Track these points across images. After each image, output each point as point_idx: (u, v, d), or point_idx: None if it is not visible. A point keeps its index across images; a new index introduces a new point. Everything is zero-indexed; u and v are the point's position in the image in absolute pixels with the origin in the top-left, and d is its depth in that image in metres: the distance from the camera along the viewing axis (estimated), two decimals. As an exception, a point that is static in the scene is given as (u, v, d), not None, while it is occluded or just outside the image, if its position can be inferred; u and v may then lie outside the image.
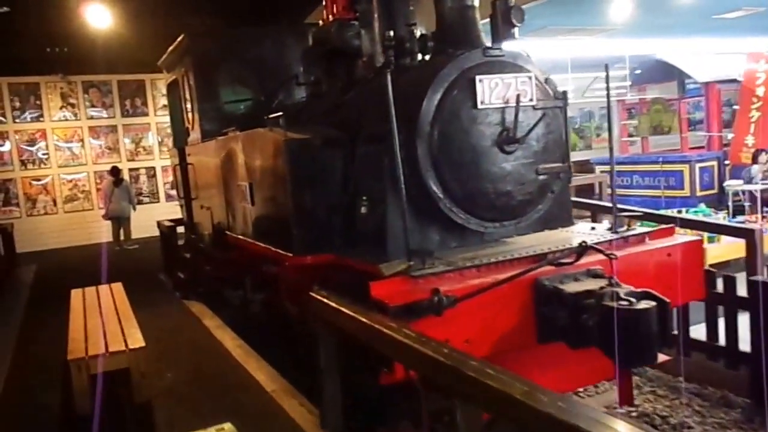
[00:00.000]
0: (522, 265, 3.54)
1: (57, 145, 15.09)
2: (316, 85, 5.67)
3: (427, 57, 4.38)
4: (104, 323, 4.99)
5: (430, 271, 3.38)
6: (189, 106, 7.30)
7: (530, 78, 3.83)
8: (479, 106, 3.70)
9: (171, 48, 7.57)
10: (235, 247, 6.11)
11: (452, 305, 3.09)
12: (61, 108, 15.16)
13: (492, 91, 3.72)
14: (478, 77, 3.69)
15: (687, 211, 8.53)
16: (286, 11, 10.81)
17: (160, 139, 16.03)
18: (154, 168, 16.10)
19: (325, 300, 3.50)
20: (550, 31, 11.19)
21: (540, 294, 3.37)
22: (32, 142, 14.89)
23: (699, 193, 12.85)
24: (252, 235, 5.36)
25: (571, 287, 3.30)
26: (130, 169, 15.60)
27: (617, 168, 6.49)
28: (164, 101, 16.09)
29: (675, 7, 10.20)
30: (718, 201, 12.62)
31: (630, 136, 17.62)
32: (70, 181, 15.19)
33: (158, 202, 15.95)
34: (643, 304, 3.03)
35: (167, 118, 15.96)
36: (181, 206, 8.86)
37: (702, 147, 15.14)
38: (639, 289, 3.17)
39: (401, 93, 3.63)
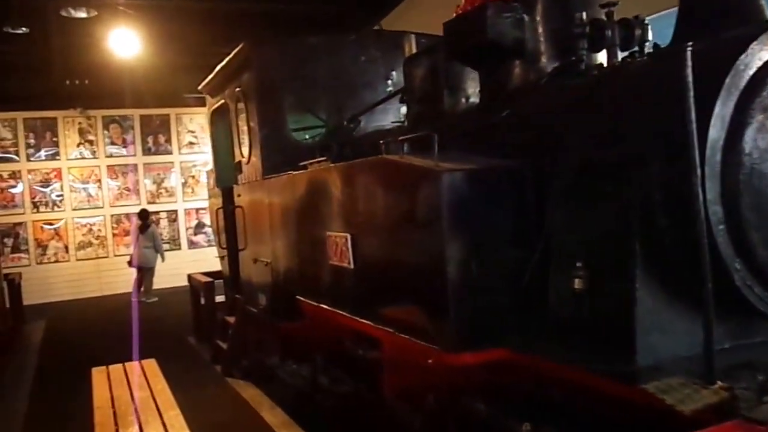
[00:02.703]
0: None
1: (72, 186, 13.73)
2: (429, 102, 4.20)
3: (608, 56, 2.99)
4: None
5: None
6: (244, 135, 5.86)
7: None
8: (807, 114, 2.20)
9: (222, 64, 6.17)
10: (312, 317, 4.58)
11: None
12: (78, 145, 13.85)
13: (824, 91, 2.22)
14: (806, 66, 2.19)
15: None
16: (352, 20, 9.50)
17: (183, 180, 14.66)
18: (176, 212, 14.68)
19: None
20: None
21: None
22: (46, 182, 13.57)
23: None
24: (350, 308, 3.82)
25: None
26: (151, 212, 14.21)
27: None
28: (189, 138, 14.77)
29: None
30: None
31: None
32: (85, 225, 13.79)
33: (179, 249, 14.48)
34: None
35: (193, 156, 14.83)
36: (222, 258, 7.34)
37: None
38: None
39: (646, 98, 2.18)
